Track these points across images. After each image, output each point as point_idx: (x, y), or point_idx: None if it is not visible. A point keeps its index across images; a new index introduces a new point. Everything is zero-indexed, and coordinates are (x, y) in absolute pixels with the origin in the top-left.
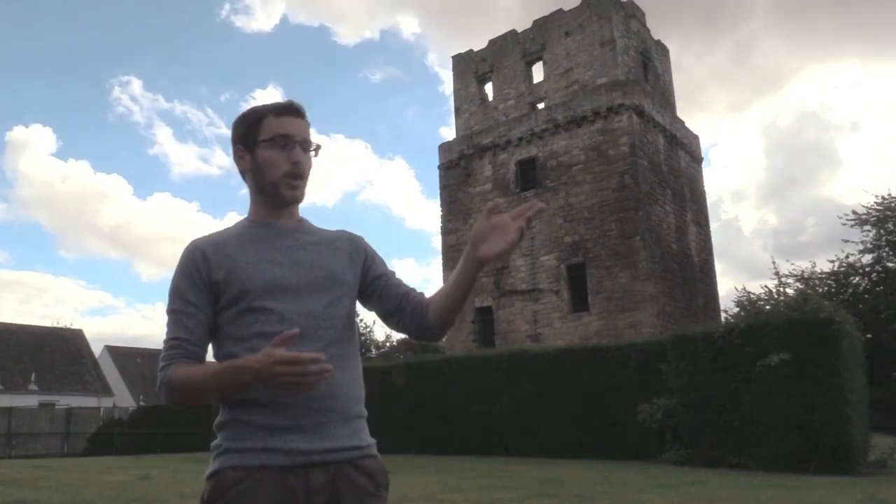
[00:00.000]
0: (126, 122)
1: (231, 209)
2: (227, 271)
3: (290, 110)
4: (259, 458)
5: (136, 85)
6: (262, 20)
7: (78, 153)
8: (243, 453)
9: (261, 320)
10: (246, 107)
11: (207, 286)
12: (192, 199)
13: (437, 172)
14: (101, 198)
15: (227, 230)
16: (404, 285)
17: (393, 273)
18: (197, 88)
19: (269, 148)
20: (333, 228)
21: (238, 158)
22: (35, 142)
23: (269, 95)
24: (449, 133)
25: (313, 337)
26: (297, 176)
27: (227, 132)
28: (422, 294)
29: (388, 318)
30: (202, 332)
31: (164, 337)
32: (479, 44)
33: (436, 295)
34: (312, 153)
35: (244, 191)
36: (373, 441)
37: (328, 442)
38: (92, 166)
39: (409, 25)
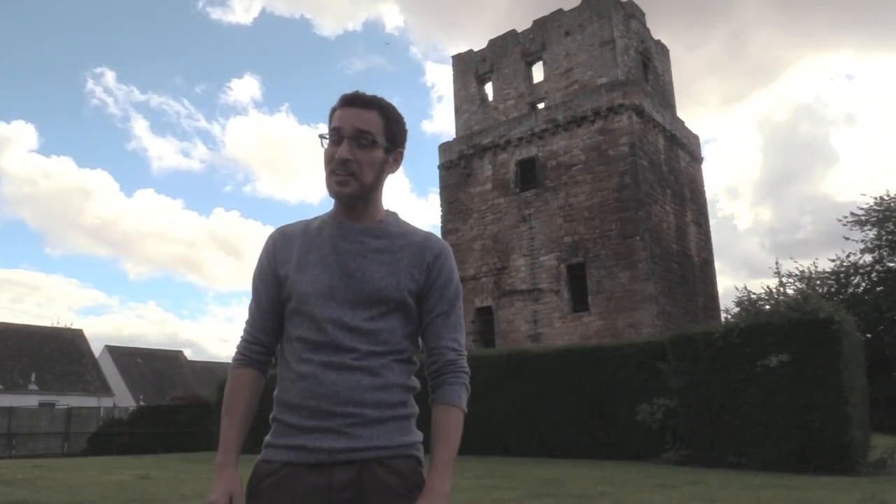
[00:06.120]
0: (102, 113)
1: (217, 205)
2: (288, 269)
3: (345, 101)
4: (289, 454)
5: (110, 77)
6: (239, 13)
7: (60, 149)
8: (276, 449)
9: (303, 325)
10: (224, 98)
11: (276, 277)
12: (176, 195)
13: (423, 168)
14: (86, 194)
15: (308, 220)
16: (445, 336)
17: (452, 309)
18: (171, 79)
19: (328, 144)
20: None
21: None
22: (17, 138)
23: (245, 85)
24: (432, 126)
25: (344, 348)
26: (337, 171)
27: (205, 125)
28: (453, 363)
29: (424, 352)
30: (264, 325)
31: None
32: (465, 34)
33: (436, 414)
34: (373, 146)
35: (229, 187)
36: (411, 441)
37: (353, 442)
38: (76, 162)
39: (391, 16)
